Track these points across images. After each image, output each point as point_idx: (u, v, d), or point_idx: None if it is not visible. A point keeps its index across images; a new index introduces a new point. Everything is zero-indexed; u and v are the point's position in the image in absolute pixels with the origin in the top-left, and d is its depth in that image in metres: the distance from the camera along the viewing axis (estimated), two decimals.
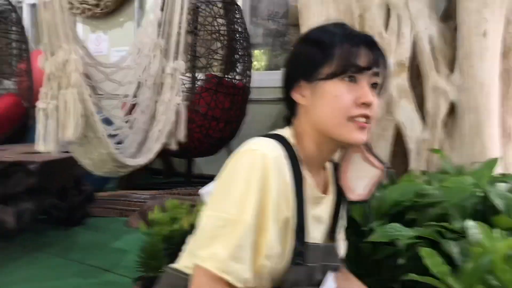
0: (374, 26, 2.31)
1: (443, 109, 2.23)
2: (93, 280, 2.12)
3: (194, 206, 1.81)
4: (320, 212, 1.06)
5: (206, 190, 1.20)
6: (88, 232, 2.90)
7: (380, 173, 1.07)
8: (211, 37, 3.88)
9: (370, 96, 0.96)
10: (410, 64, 2.41)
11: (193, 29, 3.83)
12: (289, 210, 0.95)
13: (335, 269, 1.09)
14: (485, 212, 1.55)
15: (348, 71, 0.95)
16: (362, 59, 0.96)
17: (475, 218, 1.45)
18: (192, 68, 3.90)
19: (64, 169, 2.79)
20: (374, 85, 0.99)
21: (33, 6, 6.00)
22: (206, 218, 0.93)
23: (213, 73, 3.92)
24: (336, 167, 1.12)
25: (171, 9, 2.39)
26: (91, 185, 3.13)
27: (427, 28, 2.28)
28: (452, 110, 2.27)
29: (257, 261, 0.92)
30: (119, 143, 2.17)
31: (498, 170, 2.16)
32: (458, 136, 2.22)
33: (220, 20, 3.90)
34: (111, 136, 2.14)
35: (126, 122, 2.39)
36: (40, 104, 1.90)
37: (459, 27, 2.20)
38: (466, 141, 2.19)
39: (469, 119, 2.18)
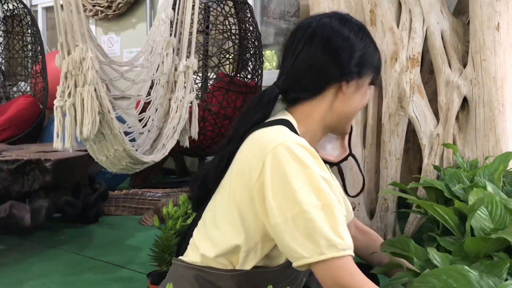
0: (385, 22, 2.31)
1: (456, 103, 2.23)
2: (107, 275, 2.14)
3: None
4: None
5: None
6: (103, 229, 2.93)
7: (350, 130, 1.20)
8: (223, 36, 3.90)
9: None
10: (422, 59, 2.41)
11: (204, 29, 3.85)
12: None
13: None
14: None
15: (376, 84, 1.11)
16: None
17: None
18: (204, 67, 3.93)
19: (78, 167, 2.83)
20: None
21: (47, 9, 6.08)
22: (287, 222, 0.90)
23: (224, 72, 3.93)
24: None
25: (182, 8, 2.42)
26: (105, 184, 3.16)
27: (439, 22, 2.28)
28: (465, 104, 2.26)
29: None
30: (132, 140, 2.19)
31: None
32: (471, 130, 2.21)
33: (231, 19, 3.92)
34: (125, 133, 2.16)
35: (140, 120, 2.42)
36: (57, 102, 1.92)
37: (472, 21, 2.19)
38: (479, 136, 2.18)
39: (482, 113, 2.17)
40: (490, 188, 1.27)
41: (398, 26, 2.32)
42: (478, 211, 1.12)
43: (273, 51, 4.87)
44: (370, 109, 2.47)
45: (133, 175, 3.84)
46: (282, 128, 0.99)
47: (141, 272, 2.12)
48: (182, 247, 1.15)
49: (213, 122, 3.52)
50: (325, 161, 1.13)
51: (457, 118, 2.28)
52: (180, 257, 1.10)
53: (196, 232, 1.08)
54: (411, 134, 2.51)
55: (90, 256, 2.39)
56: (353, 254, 0.91)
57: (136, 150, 2.17)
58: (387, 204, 2.39)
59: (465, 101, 2.25)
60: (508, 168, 1.90)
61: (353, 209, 2.38)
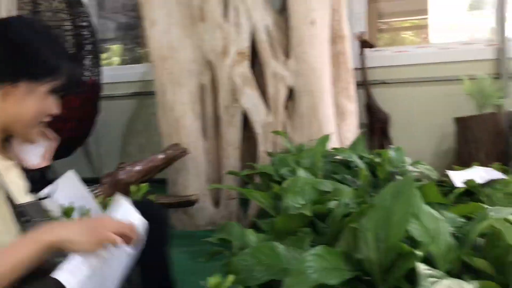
0: (213, 18, 2.40)
1: (283, 93, 2.41)
2: None
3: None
4: (15, 177, 1.10)
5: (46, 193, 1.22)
6: None
7: (55, 143, 1.20)
8: None
9: (57, 111, 1.10)
10: (253, 53, 2.55)
11: None
12: None
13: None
14: None
15: (65, 94, 1.08)
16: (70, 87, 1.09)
17: None
18: None
19: None
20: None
21: None
22: None
23: None
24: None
25: None
26: None
27: (263, 19, 2.43)
28: (291, 94, 2.45)
29: None
30: None
31: (335, 145, 2.41)
32: (298, 117, 2.41)
33: (63, 15, 3.70)
34: None
35: None
36: None
37: (290, 17, 2.38)
38: (304, 122, 2.39)
39: (306, 101, 2.38)
40: (300, 172, 1.42)
41: (225, 22, 2.42)
42: (290, 193, 1.25)
43: (119, 45, 4.74)
44: (207, 102, 2.55)
45: None
46: None
47: None
48: None
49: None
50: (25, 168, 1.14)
51: (287, 107, 2.46)
52: None
53: None
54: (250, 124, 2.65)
55: None
56: None
57: None
58: (229, 192, 2.50)
59: (291, 91, 2.44)
60: (329, 149, 2.12)
61: (197, 201, 2.45)
